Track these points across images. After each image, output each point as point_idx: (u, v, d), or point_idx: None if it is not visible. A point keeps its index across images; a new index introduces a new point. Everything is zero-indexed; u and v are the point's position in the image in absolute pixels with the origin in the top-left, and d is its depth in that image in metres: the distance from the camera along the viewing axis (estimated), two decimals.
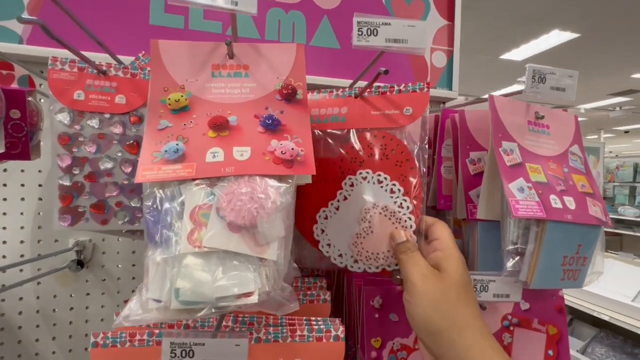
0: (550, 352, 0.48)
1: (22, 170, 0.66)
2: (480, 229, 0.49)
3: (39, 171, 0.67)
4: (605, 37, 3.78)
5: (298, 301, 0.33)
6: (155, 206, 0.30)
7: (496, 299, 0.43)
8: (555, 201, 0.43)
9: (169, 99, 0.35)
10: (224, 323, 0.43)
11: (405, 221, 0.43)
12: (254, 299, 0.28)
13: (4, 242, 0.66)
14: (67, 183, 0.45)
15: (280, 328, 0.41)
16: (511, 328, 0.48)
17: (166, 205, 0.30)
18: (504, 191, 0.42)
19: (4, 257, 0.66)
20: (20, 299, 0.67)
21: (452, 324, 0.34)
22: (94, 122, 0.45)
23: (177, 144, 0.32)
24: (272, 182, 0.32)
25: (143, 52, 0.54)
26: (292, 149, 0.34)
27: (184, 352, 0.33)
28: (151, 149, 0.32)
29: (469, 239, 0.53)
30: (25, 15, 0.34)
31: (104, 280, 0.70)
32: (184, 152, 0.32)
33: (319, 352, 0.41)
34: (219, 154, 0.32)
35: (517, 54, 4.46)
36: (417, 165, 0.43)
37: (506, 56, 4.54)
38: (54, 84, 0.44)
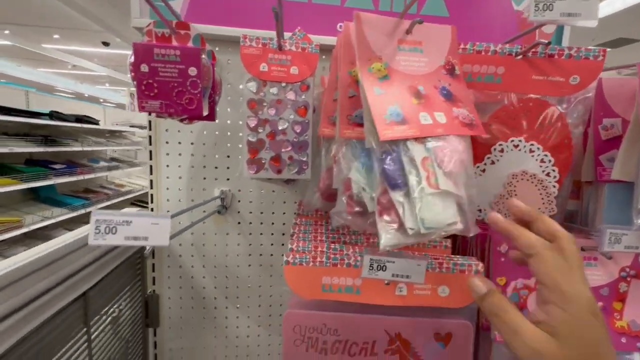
0: None
1: (179, 131, 0.80)
2: (607, 190, 0.53)
3: (190, 132, 0.81)
4: None
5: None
6: (391, 159, 0.38)
7: (627, 250, 0.48)
8: None
9: (373, 67, 0.43)
10: None
11: (551, 189, 0.49)
12: (459, 226, 0.37)
13: (167, 189, 0.82)
14: (253, 140, 0.56)
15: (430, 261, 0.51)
16: (628, 279, 0.54)
17: (401, 158, 0.38)
18: None
19: (167, 200, 0.83)
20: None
21: None
22: (274, 90, 0.55)
23: (396, 108, 0.40)
24: (463, 140, 0.39)
25: (299, 28, 0.62)
26: (467, 115, 0.41)
27: (378, 267, 0.44)
28: (379, 112, 0.40)
29: (589, 200, 0.58)
30: (275, 8, 0.42)
31: (239, 223, 0.86)
32: (403, 116, 0.40)
33: (462, 282, 0.51)
34: (427, 118, 0.40)
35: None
36: (572, 138, 0.47)
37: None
38: (246, 58, 0.54)
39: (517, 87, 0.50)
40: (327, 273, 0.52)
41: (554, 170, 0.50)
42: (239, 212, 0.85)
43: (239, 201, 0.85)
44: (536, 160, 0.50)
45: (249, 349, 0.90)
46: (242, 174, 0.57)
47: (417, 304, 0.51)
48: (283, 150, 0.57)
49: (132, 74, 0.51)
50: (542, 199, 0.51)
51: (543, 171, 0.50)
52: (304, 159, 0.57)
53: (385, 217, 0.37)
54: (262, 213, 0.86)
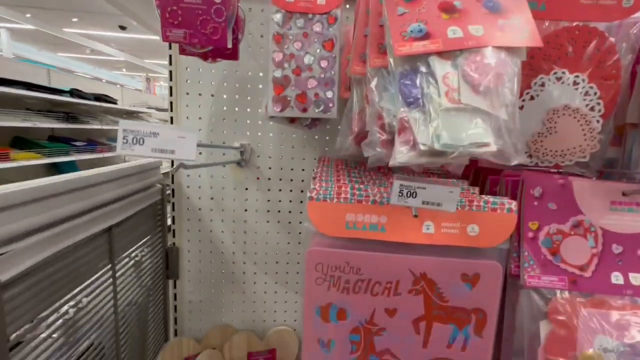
0: None
1: (199, 82, 0.80)
2: None
3: (212, 83, 0.80)
4: None
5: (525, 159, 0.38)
6: (409, 76, 0.37)
7: None
8: None
9: None
10: None
11: (594, 124, 0.46)
12: (492, 148, 0.35)
13: None
14: (279, 75, 0.55)
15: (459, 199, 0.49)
16: None
17: (419, 75, 0.37)
18: None
19: None
20: (199, 187, 0.84)
21: None
22: (300, 22, 0.53)
23: (419, 25, 0.38)
24: (506, 53, 0.36)
25: None
26: (519, 26, 0.38)
27: (409, 193, 0.42)
28: (398, 30, 0.38)
29: (633, 144, 0.54)
30: None
31: (258, 178, 0.85)
32: (427, 31, 0.38)
33: (493, 220, 0.48)
34: (457, 31, 0.37)
35: None
36: (622, 67, 0.44)
37: None
38: None
39: (563, 14, 0.46)
40: (351, 210, 0.51)
41: (599, 104, 0.46)
42: (258, 167, 0.84)
43: (259, 156, 0.84)
44: (580, 93, 0.47)
45: (266, 305, 0.91)
46: (268, 112, 0.56)
47: (444, 242, 0.50)
48: (309, 87, 0.55)
49: (157, 1, 0.50)
50: (585, 134, 0.48)
51: (587, 105, 0.47)
52: (330, 96, 0.56)
53: (402, 136, 0.36)
54: (281, 169, 0.85)
